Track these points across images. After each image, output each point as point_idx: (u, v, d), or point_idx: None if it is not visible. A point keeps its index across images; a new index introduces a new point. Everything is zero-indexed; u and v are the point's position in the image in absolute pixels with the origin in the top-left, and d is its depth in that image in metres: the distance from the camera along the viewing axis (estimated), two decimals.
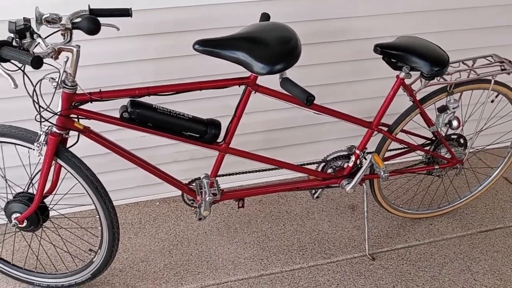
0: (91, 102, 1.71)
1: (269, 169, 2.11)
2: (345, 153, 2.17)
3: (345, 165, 2.17)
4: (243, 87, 1.83)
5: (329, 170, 2.19)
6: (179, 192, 2.55)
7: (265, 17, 1.95)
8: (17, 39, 1.47)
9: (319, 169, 2.18)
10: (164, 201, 2.61)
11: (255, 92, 1.82)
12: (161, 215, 2.51)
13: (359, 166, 2.16)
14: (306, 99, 1.55)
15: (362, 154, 2.14)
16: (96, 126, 1.80)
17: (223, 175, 2.06)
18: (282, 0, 2.20)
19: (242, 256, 2.26)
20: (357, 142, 2.17)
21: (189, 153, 2.53)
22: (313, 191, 2.25)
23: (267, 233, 2.40)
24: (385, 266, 2.24)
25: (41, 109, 1.66)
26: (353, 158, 2.13)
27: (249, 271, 2.18)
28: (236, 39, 1.70)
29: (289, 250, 2.30)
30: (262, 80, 1.78)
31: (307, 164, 2.18)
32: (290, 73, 1.73)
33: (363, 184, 2.23)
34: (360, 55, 2.41)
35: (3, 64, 1.47)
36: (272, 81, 1.84)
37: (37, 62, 1.36)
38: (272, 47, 1.70)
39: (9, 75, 1.43)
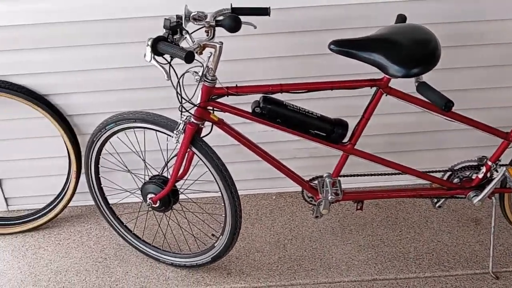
0: (227, 96, 1.81)
1: (392, 174, 2.07)
2: (475, 163, 2.06)
3: (474, 176, 2.06)
4: (374, 88, 1.82)
5: (455, 180, 2.09)
6: (296, 188, 2.61)
7: (401, 18, 1.91)
8: (170, 35, 1.60)
9: (445, 178, 2.10)
10: (281, 195, 2.67)
11: (386, 95, 1.80)
12: (277, 208, 2.58)
13: (489, 178, 2.04)
14: (445, 105, 1.51)
15: (494, 166, 2.02)
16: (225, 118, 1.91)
17: (344, 176, 2.07)
18: (420, 0, 2.13)
19: (356, 258, 2.25)
20: (485, 153, 2.05)
21: (308, 151, 2.56)
22: (435, 200, 2.17)
23: (382, 238, 2.36)
24: (509, 286, 2.09)
25: (183, 100, 1.79)
26: (483, 169, 2.02)
27: (362, 274, 2.16)
28: (373, 40, 1.70)
29: (404, 258, 2.24)
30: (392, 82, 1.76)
31: (431, 171, 2.11)
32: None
33: (492, 197, 2.10)
34: (503, 60, 2.26)
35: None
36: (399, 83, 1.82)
37: (190, 57, 1.47)
38: (409, 50, 1.67)
39: (163, 68, 1.57)
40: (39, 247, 2.39)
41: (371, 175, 2.13)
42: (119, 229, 2.30)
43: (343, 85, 1.81)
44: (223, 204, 2.00)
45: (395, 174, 2.06)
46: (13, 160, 2.49)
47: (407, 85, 1.87)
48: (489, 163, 2.00)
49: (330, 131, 1.86)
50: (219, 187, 1.97)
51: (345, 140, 1.92)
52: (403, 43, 1.68)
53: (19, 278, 2.21)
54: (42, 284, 2.18)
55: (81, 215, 2.59)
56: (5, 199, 2.62)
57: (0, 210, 2.64)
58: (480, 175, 2.03)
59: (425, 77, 1.71)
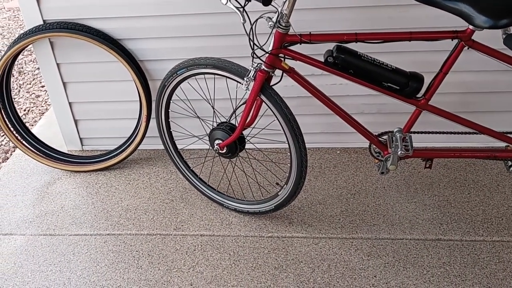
0: (300, 44, 1.78)
1: (466, 133, 1.99)
2: None
3: None
4: (455, 41, 1.72)
5: None
6: (361, 144, 2.59)
7: None
8: None
9: None
10: (345, 150, 2.65)
11: (468, 48, 1.71)
12: (341, 163, 2.56)
13: None
14: None
15: None
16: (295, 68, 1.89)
17: (415, 132, 2.01)
18: None
19: (420, 217, 2.21)
20: None
21: (376, 107, 2.51)
22: (510, 163, 2.07)
23: (449, 199, 2.30)
24: None
25: (255, 47, 1.78)
26: None
27: (426, 233, 2.13)
28: None
29: (472, 220, 2.18)
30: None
31: (509, 132, 2.01)
32: None
33: None
34: None
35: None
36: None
37: (267, 0, 1.45)
38: None
39: (239, 10, 1.56)
40: (111, 185, 2.52)
41: (443, 133, 2.05)
42: (186, 173, 2.37)
43: (422, 36, 1.72)
44: (289, 153, 2.01)
45: (469, 133, 1.97)
46: (89, 102, 2.61)
47: (491, 40, 1.77)
48: None
49: (404, 85, 1.80)
50: (286, 137, 1.97)
51: (419, 95, 1.85)
52: None
53: (92, 213, 2.36)
54: (114, 219, 2.31)
55: (150, 158, 2.70)
56: (80, 139, 2.76)
57: (76, 150, 2.80)
58: None
59: None
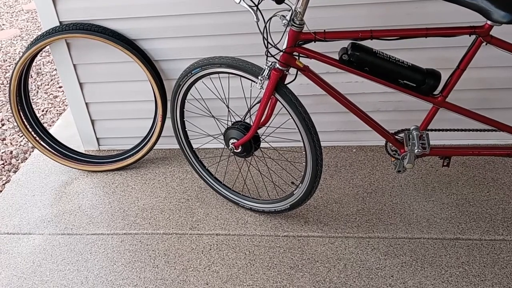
0: (314, 42, 1.77)
1: (484, 130, 1.96)
2: None
3: None
4: (473, 37, 1.69)
5: None
6: (377, 142, 2.57)
7: None
8: None
9: None
10: (361, 149, 2.62)
11: (486, 44, 1.68)
12: (357, 161, 2.54)
13: None
14: None
15: None
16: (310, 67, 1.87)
17: (432, 130, 1.99)
18: None
19: (438, 216, 2.18)
20: None
21: (393, 104, 2.48)
22: None
23: (468, 197, 2.26)
24: None
25: (269, 45, 1.77)
26: None
27: (444, 232, 2.10)
28: None
29: (491, 219, 2.14)
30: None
31: None
32: None
33: None
34: None
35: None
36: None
37: None
38: None
39: (252, 9, 1.55)
40: (127, 185, 2.54)
41: (461, 130, 2.02)
42: (201, 172, 2.38)
43: (439, 32, 1.69)
44: (304, 152, 2.00)
45: (488, 130, 1.94)
46: (105, 102, 2.63)
47: (510, 35, 1.74)
48: None
49: (420, 82, 1.77)
50: (301, 135, 1.95)
51: (436, 92, 1.82)
52: None
53: (109, 212, 2.37)
54: (130, 219, 2.32)
55: (165, 157, 2.71)
56: (97, 139, 2.79)
57: (93, 149, 2.83)
58: None
59: None
